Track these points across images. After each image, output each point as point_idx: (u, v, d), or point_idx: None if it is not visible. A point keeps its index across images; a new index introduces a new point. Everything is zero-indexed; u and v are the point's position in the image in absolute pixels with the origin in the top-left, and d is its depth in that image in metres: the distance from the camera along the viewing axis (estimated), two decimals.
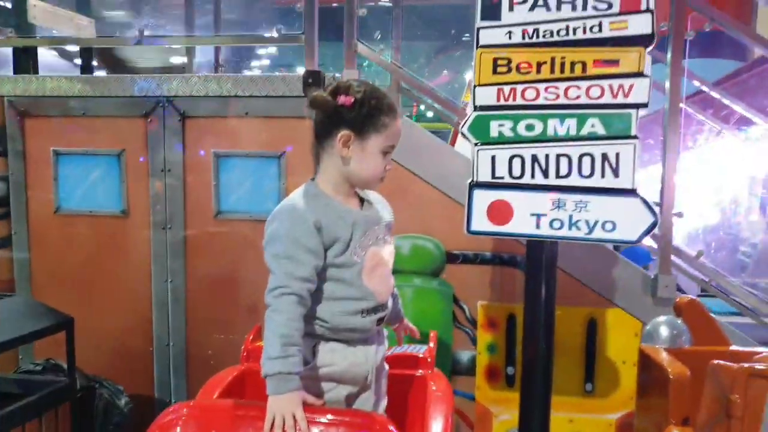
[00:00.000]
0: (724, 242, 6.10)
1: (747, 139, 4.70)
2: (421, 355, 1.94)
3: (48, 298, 2.66)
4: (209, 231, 2.88)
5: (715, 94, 3.39)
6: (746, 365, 1.39)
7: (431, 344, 2.04)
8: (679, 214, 2.62)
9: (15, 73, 3.08)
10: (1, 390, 2.08)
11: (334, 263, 1.50)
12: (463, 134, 1.74)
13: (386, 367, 1.70)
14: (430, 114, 5.16)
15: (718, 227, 6.04)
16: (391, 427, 1.35)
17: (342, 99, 1.48)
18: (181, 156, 2.85)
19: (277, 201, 2.84)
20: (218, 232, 2.87)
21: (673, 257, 2.64)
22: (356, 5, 2.73)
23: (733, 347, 2.06)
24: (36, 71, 3.04)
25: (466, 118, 1.73)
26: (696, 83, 3.27)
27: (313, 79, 2.72)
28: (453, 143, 4.71)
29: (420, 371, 1.88)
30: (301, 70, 2.75)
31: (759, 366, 1.38)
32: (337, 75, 2.77)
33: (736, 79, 5.44)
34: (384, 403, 1.67)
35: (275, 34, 2.94)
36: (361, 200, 1.62)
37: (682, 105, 2.46)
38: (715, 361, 1.45)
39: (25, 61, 2.98)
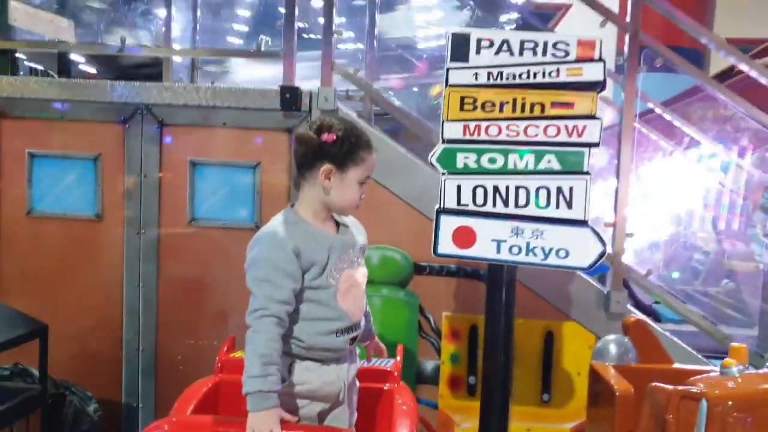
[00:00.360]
0: (679, 252, 6.37)
1: (700, 157, 4.96)
2: (388, 369, 2.05)
3: (17, 301, 2.67)
4: (183, 237, 2.93)
5: (667, 116, 3.61)
6: (680, 387, 1.53)
7: (398, 358, 2.15)
8: (630, 235, 2.79)
9: None
10: None
11: (311, 285, 1.61)
12: (431, 164, 1.86)
13: (357, 383, 1.81)
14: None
15: (674, 238, 6.30)
16: None
17: (325, 136, 1.61)
18: (158, 162, 2.91)
19: (251, 210, 2.96)
20: (191, 238, 2.93)
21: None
22: (333, 27, 2.82)
23: (675, 365, 2.23)
24: (16, 72, 3.06)
25: (434, 150, 1.85)
26: (650, 105, 3.47)
27: (290, 94, 2.82)
28: None
29: (387, 385, 1.99)
30: None
31: (691, 389, 1.52)
32: (312, 89, 2.86)
33: (689, 99, 5.68)
34: (354, 417, 1.78)
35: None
36: (338, 224, 1.74)
37: (635, 125, 2.64)
38: (653, 384, 1.59)
39: (3, 62, 2.99)
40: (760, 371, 1.56)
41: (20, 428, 2.04)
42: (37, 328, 2.14)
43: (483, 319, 2.80)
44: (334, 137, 1.61)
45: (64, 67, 3.32)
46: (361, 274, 1.74)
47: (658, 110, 3.65)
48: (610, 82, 1.99)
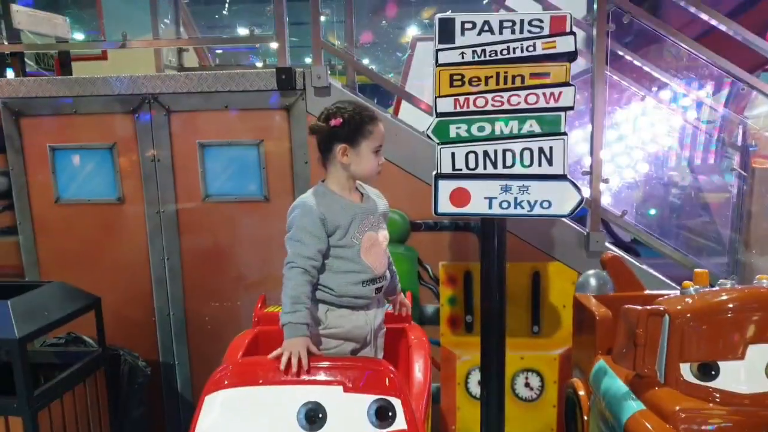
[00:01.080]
0: (656, 190, 6.64)
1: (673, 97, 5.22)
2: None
3: (55, 279, 2.91)
4: (199, 212, 3.19)
5: (636, 62, 3.89)
6: (648, 307, 1.86)
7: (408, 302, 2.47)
8: (606, 180, 3.10)
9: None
10: (46, 361, 2.42)
11: (337, 245, 1.94)
12: (428, 135, 2.13)
13: (383, 327, 2.13)
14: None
15: (650, 177, 6.58)
16: (391, 368, 1.80)
17: (333, 122, 1.92)
18: (169, 147, 3.14)
19: (259, 184, 3.23)
20: (207, 213, 3.19)
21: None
22: (319, 8, 3.02)
23: (647, 292, 2.56)
24: (24, 74, 3.24)
25: (429, 123, 2.11)
26: (620, 52, 3.74)
27: (285, 74, 3.04)
28: (396, 111, 5.04)
29: (400, 324, 2.32)
30: None
31: (656, 307, 1.85)
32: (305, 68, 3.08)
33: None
34: (380, 355, 2.11)
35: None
36: (362, 195, 2.05)
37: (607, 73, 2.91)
38: (625, 306, 1.91)
39: (13, 64, 3.17)
40: (713, 289, 1.88)
41: (90, 383, 2.35)
42: (93, 300, 2.42)
43: (476, 265, 3.10)
44: (341, 120, 1.92)
45: (66, 61, 3.48)
46: (383, 235, 2.06)
47: (628, 57, 3.92)
48: None
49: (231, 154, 3.16)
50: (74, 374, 2.27)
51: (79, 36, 5.72)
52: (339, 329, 1.97)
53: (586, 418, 2.30)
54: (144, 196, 3.17)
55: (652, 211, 6.23)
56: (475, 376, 3.19)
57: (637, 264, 3.08)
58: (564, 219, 3.20)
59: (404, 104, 4.86)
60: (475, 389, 3.20)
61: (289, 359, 1.75)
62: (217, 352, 2.21)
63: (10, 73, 3.31)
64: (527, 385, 3.21)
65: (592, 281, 2.54)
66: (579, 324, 2.60)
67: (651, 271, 3.09)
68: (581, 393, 2.36)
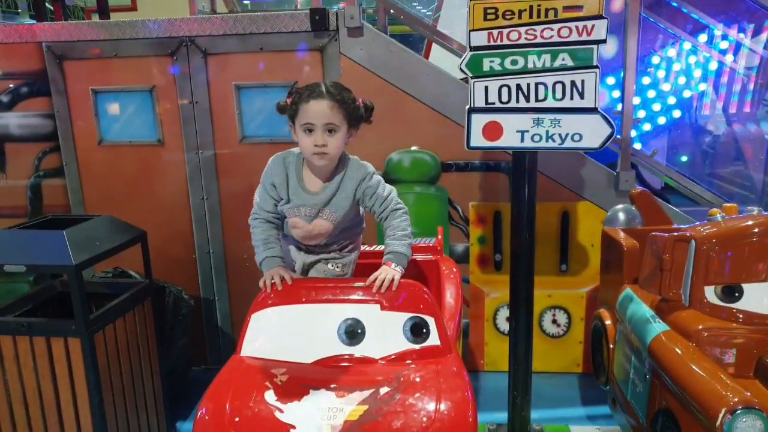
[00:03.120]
0: (687, 136, 6.53)
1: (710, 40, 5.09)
2: (431, 245, 2.47)
3: None
4: (236, 154, 3.29)
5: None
6: (674, 233, 1.92)
7: (439, 236, 2.56)
8: (637, 121, 3.11)
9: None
10: (97, 291, 2.58)
11: (282, 210, 2.12)
12: (461, 69, 2.17)
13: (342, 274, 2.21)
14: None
15: (683, 123, 6.46)
16: (425, 289, 1.90)
17: (286, 101, 2.02)
18: (206, 89, 3.21)
19: None
20: (244, 154, 3.28)
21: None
22: None
23: (675, 226, 2.61)
24: (66, 17, 3.32)
25: (463, 57, 2.15)
26: None
27: (319, 15, 3.07)
28: (427, 55, 5.04)
29: (432, 256, 2.42)
30: None
31: (683, 233, 1.90)
32: (340, 6, 3.11)
33: None
34: None
35: None
36: (323, 183, 2.08)
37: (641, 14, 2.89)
38: (653, 233, 1.98)
39: (55, 10, 3.26)
40: (739, 216, 1.92)
41: (139, 311, 2.51)
42: (140, 234, 2.55)
43: (505, 205, 3.17)
44: (290, 99, 2.00)
45: (105, 8, 3.55)
46: (317, 224, 2.10)
47: None
48: None
49: (266, 95, 3.22)
50: (124, 302, 2.42)
51: None
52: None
53: (612, 346, 2.39)
54: (183, 138, 3.27)
55: (684, 158, 6.16)
56: (503, 313, 3.30)
57: (667, 205, 3.10)
58: (593, 159, 3.24)
59: (434, 49, 4.87)
60: (503, 325, 3.31)
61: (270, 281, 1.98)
62: (255, 290, 2.30)
63: None
64: (554, 321, 3.31)
65: (621, 215, 2.59)
66: (606, 258, 2.66)
67: (679, 211, 3.11)
68: (608, 323, 2.44)
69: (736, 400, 1.50)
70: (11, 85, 3.28)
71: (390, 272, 1.92)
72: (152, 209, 3.35)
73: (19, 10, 9.32)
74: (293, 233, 2.15)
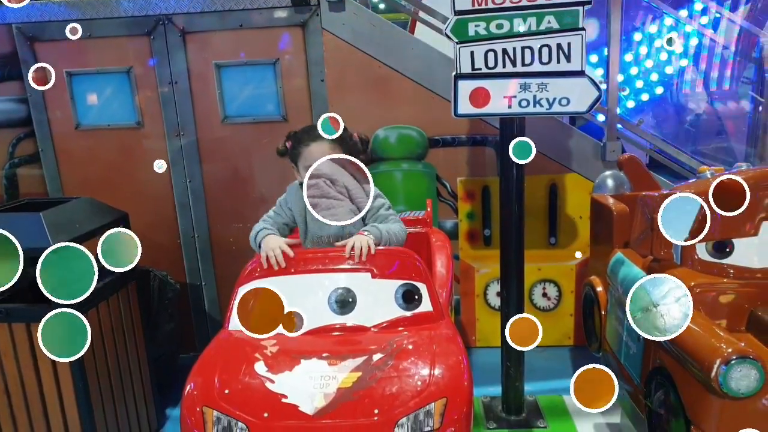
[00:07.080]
0: (670, 114, 6.56)
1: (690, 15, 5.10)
2: (421, 217, 2.44)
3: None
4: (218, 134, 3.22)
5: None
6: (665, 191, 1.90)
7: (428, 209, 2.53)
8: (624, 89, 3.09)
9: None
10: None
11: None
12: (446, 35, 2.13)
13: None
14: (381, 6, 5.41)
15: (665, 100, 6.49)
16: (416, 256, 1.87)
17: (285, 145, 2.26)
18: (186, 69, 3.14)
19: (276, 103, 3.23)
20: (226, 134, 3.22)
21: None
22: None
23: (663, 191, 2.59)
24: None
25: (447, 22, 2.11)
26: None
27: None
28: (412, 31, 4.98)
29: (422, 228, 2.38)
30: None
31: (673, 192, 1.88)
32: None
33: None
34: None
35: None
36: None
37: None
38: (643, 193, 1.96)
39: None
40: (728, 171, 1.91)
41: (123, 295, 2.45)
42: (121, 215, 2.49)
43: (493, 180, 3.15)
44: (290, 143, 2.22)
45: None
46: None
47: None
48: None
49: (247, 74, 3.16)
50: (108, 285, 2.36)
51: None
52: None
53: (603, 312, 2.38)
54: (163, 120, 3.20)
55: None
56: (494, 288, 3.28)
57: (654, 174, 3.09)
58: (579, 131, 3.22)
59: (419, 27, 4.80)
60: (494, 300, 3.30)
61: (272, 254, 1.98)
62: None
63: None
64: (545, 295, 3.30)
65: (609, 182, 2.58)
66: (596, 224, 2.65)
67: (667, 181, 3.10)
68: (599, 289, 2.43)
69: (730, 350, 1.49)
70: None
71: (363, 239, 1.92)
72: (134, 194, 3.27)
73: None
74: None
